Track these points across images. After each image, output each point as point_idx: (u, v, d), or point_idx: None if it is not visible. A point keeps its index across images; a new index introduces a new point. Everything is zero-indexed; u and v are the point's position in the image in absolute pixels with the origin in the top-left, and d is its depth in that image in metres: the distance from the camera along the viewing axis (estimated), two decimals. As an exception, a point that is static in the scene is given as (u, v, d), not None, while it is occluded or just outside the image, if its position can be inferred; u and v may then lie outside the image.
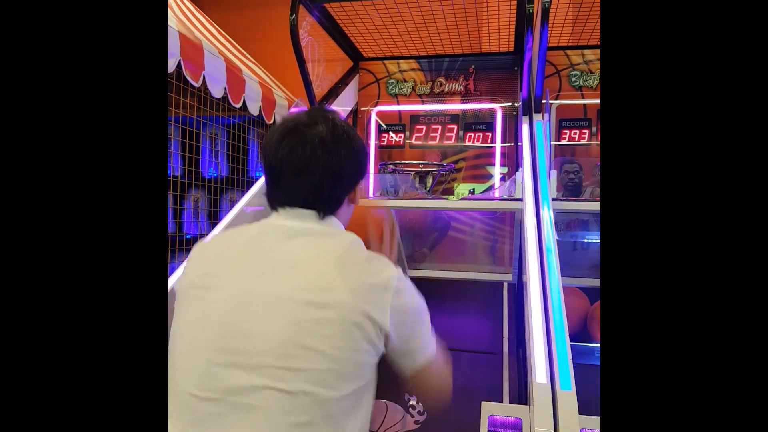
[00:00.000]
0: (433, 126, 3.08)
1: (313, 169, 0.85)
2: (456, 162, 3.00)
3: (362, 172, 0.96)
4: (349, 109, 3.05)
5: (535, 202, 1.72)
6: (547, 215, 1.61)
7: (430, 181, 2.39)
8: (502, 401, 1.93)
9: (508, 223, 2.79)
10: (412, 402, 1.77)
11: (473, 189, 2.95)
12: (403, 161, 2.63)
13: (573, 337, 1.23)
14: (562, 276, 1.37)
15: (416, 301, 0.87)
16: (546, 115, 2.21)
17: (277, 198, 0.90)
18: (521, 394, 1.95)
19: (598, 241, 1.88)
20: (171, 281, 1.58)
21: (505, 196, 2.04)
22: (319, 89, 2.64)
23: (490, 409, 1.14)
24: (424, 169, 2.37)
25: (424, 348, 0.87)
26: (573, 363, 1.14)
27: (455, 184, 2.97)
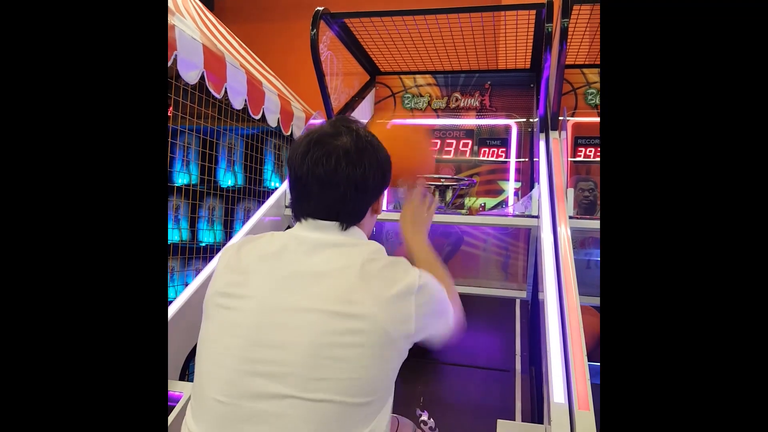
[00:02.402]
0: (448, 140, 3.10)
1: (338, 181, 0.86)
2: (471, 176, 3.01)
3: (386, 182, 0.96)
4: (365, 122, 3.08)
5: (552, 220, 1.72)
6: (565, 233, 1.60)
7: (449, 195, 2.38)
8: (514, 419, 1.91)
9: (522, 239, 2.79)
10: (424, 417, 1.76)
11: (484, 204, 2.95)
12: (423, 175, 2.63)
13: (588, 356, 1.22)
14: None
15: (438, 294, 0.89)
16: (563, 133, 2.21)
17: (303, 209, 0.91)
18: (534, 412, 1.93)
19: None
20: (189, 290, 1.60)
21: (518, 213, 2.04)
22: (336, 102, 2.67)
23: (505, 428, 1.13)
24: (444, 183, 2.37)
25: (448, 327, 0.93)
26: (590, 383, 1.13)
27: (467, 199, 2.97)
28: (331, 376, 0.75)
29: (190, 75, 1.92)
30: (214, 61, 2.09)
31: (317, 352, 0.75)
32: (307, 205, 0.89)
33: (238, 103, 2.32)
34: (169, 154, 2.36)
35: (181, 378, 1.50)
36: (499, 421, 1.13)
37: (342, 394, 0.74)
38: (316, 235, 0.88)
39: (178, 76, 1.95)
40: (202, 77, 2.03)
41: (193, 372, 0.86)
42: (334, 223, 0.89)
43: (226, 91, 2.20)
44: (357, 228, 0.92)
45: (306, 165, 0.87)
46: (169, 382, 1.25)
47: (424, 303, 0.84)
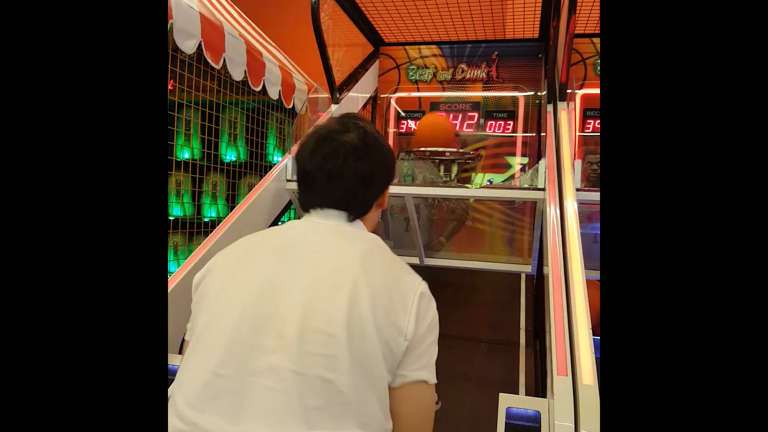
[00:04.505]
0: (454, 113, 3.04)
1: (346, 175, 0.90)
2: (477, 150, 2.96)
3: (391, 177, 0.99)
4: (369, 95, 3.01)
5: (558, 193, 1.68)
6: (571, 206, 1.57)
7: (455, 169, 2.34)
8: (517, 392, 1.91)
9: (527, 214, 2.75)
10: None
11: (491, 180, 2.91)
12: (428, 149, 2.58)
13: (594, 331, 1.21)
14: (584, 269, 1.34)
15: (433, 308, 0.85)
16: (571, 104, 2.15)
17: (310, 200, 0.94)
18: (537, 386, 1.93)
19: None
20: (188, 264, 1.59)
21: (526, 186, 2.00)
22: (339, 74, 2.62)
23: (507, 401, 1.11)
24: (449, 157, 2.33)
25: (424, 364, 0.81)
26: (595, 356, 1.12)
27: (473, 174, 2.93)
28: (320, 351, 0.74)
29: (187, 45, 1.87)
30: (212, 30, 2.03)
31: (307, 324, 0.75)
32: (314, 196, 0.92)
33: (237, 75, 2.27)
34: (170, 128, 2.33)
35: (180, 352, 1.50)
36: (501, 395, 1.12)
37: (332, 371, 0.73)
38: (323, 221, 0.91)
39: (176, 48, 1.90)
40: (200, 48, 1.98)
41: None
42: (342, 212, 0.91)
43: (225, 63, 2.15)
44: (361, 222, 0.94)
45: (315, 160, 0.90)
46: (169, 356, 1.25)
47: (422, 310, 0.80)
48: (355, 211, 0.92)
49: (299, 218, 0.97)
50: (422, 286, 0.84)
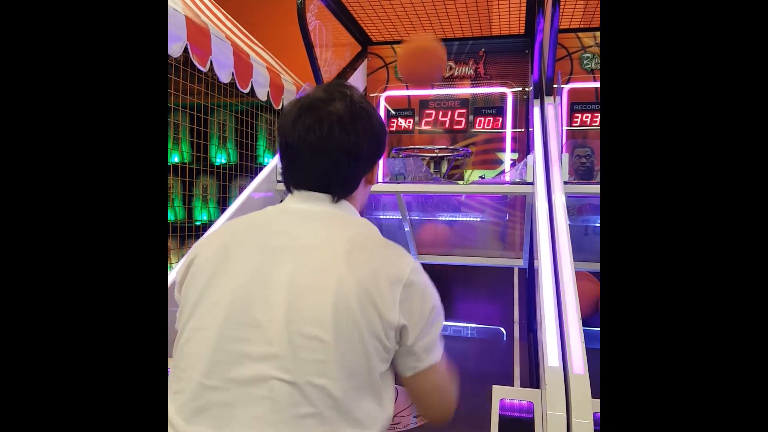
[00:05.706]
0: (443, 111, 3.05)
1: (330, 148, 0.82)
2: (467, 146, 2.97)
3: (380, 151, 0.91)
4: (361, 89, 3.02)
5: (547, 186, 1.70)
6: (559, 199, 1.59)
7: (444, 166, 2.35)
8: (512, 385, 1.93)
9: (518, 209, 2.77)
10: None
11: (483, 175, 2.92)
12: (417, 146, 2.59)
13: (584, 322, 1.22)
14: (573, 261, 1.36)
15: (429, 297, 0.80)
16: (557, 98, 2.17)
17: (293, 179, 0.87)
18: (532, 378, 1.95)
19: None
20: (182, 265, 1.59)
21: (516, 180, 2.02)
22: (327, 74, 2.62)
23: (501, 393, 1.13)
24: (439, 155, 2.35)
25: (430, 349, 0.80)
26: (585, 347, 1.13)
27: (465, 171, 2.94)
28: (309, 357, 0.71)
29: (173, 48, 1.87)
30: (198, 33, 2.03)
31: (292, 328, 0.72)
32: (298, 174, 0.85)
33: (224, 77, 2.27)
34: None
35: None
36: (495, 387, 1.13)
37: (322, 377, 0.71)
38: (306, 206, 0.84)
39: (162, 50, 1.90)
40: (186, 50, 1.98)
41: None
42: (325, 195, 0.84)
43: (212, 65, 2.15)
44: (349, 203, 0.88)
45: (297, 132, 0.82)
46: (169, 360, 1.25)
47: (411, 300, 0.77)
48: (340, 190, 0.85)
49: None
50: (411, 273, 0.77)
